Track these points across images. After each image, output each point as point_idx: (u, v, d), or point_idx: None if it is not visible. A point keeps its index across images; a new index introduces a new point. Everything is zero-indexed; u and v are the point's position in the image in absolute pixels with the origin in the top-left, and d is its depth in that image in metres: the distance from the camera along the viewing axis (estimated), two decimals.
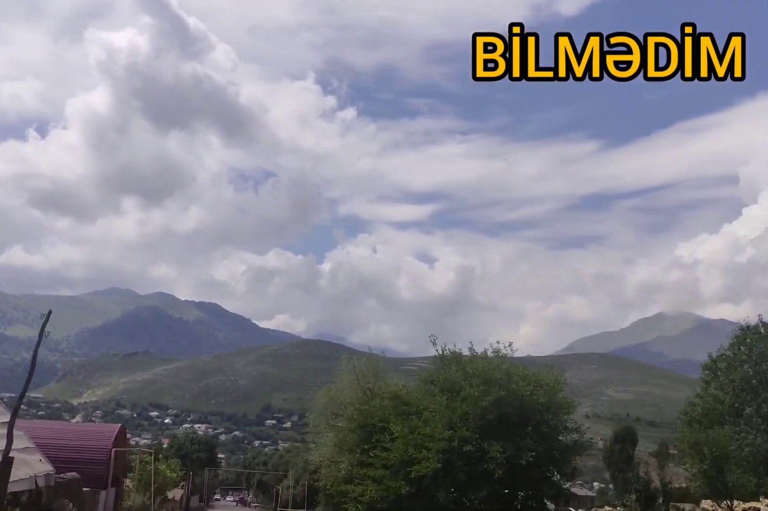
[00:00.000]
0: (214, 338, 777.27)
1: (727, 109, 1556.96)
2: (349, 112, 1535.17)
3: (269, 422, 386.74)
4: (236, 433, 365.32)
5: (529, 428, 35.04)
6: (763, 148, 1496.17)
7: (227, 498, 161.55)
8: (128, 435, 51.93)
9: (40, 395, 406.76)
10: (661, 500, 40.83)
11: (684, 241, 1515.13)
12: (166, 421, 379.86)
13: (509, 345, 37.73)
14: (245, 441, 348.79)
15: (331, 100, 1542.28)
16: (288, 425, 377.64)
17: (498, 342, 37.83)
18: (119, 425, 43.43)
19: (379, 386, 43.73)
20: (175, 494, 66.16)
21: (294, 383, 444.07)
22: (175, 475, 51.89)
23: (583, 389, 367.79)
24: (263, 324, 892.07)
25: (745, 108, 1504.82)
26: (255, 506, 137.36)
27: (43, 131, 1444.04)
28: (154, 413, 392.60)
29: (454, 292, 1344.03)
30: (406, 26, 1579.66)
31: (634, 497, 35.32)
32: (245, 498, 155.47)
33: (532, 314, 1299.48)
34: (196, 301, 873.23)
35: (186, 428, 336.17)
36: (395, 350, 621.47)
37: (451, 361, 38.47)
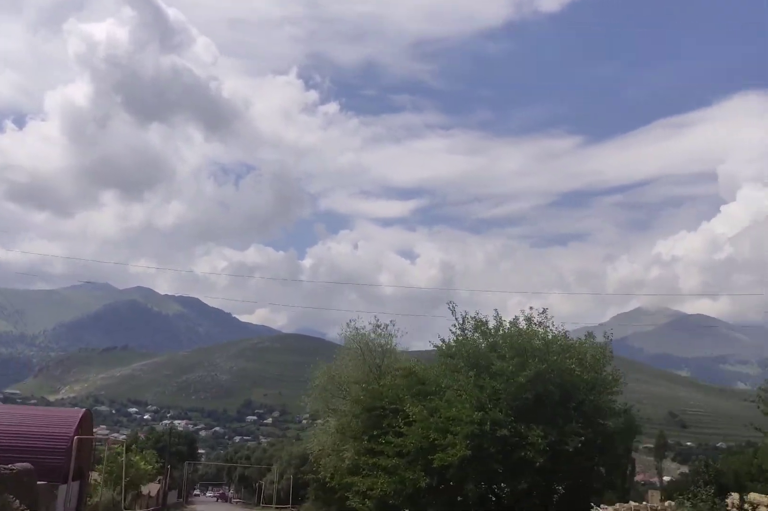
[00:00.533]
0: (194, 332, 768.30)
1: (706, 108, 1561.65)
2: (332, 107, 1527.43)
3: (250, 417, 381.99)
4: (216, 429, 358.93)
5: (573, 409, 29.20)
6: (740, 146, 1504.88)
7: (207, 494, 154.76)
8: (106, 431, 46.09)
9: (17, 391, 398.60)
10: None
11: (663, 238, 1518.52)
12: (146, 417, 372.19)
13: (543, 311, 31.79)
14: (226, 437, 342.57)
15: (313, 95, 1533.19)
16: (269, 420, 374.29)
17: (531, 308, 31.87)
18: (83, 409, 37.15)
19: (388, 364, 37.71)
20: (151, 489, 60.02)
21: (274, 378, 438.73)
22: (150, 467, 45.64)
23: None
24: (244, 318, 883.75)
25: (723, 107, 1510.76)
26: (236, 502, 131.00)
27: (20, 123, 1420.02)
28: (133, 410, 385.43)
29: (435, 288, 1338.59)
30: (390, 21, 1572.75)
31: (707, 487, 29.35)
32: (226, 493, 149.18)
33: (513, 310, 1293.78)
34: (176, 295, 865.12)
35: (166, 424, 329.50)
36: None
37: (474, 330, 32.54)
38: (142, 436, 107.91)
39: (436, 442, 28.17)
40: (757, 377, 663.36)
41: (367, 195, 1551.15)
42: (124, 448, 41.38)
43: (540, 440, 26.93)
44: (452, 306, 32.86)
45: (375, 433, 31.94)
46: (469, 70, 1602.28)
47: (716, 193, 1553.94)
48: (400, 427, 30.12)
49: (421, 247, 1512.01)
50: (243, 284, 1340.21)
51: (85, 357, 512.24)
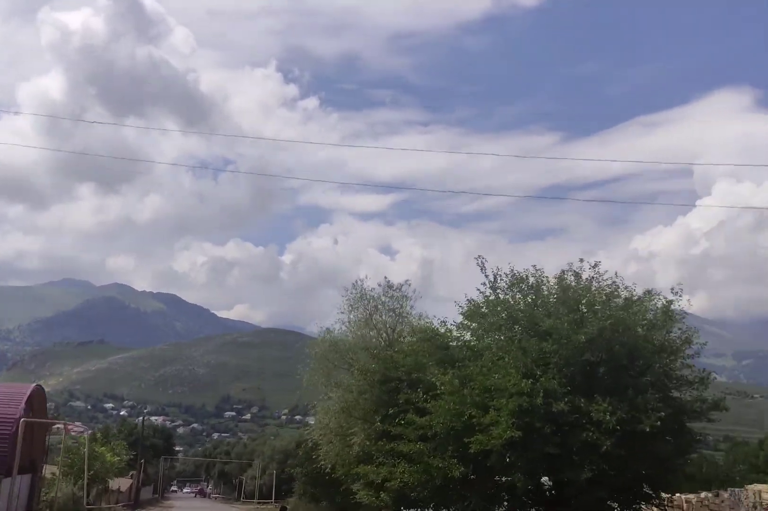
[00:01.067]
0: (172, 328, 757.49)
1: (684, 106, 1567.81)
2: (311, 102, 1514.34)
3: (228, 413, 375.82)
4: (194, 425, 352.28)
5: (647, 378, 23.26)
6: (715, 143, 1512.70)
7: (184, 490, 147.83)
8: (81, 428, 40.14)
9: None
10: None
11: (640, 233, 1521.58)
12: (122, 413, 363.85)
13: (594, 266, 25.60)
14: (204, 433, 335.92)
15: (292, 89, 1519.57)
16: (247, 416, 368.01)
17: (581, 260, 25.75)
18: (33, 384, 30.82)
19: (402, 330, 31.49)
20: (122, 484, 53.60)
21: (253, 372, 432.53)
22: (118, 459, 39.29)
23: None
24: (222, 314, 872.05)
25: (701, 104, 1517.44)
26: (215, 498, 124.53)
27: None
28: (109, 405, 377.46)
29: (415, 283, 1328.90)
30: (369, 14, 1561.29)
31: None
32: (204, 489, 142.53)
33: None
34: (154, 292, 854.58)
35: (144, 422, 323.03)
36: None
37: (510, 288, 26.46)
38: (114, 428, 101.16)
39: (473, 420, 22.19)
40: (732, 369, 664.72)
41: (347, 190, 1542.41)
42: (86, 436, 35.00)
43: (608, 417, 21.03)
44: (481, 261, 26.82)
45: (390, 411, 25.94)
46: (448, 65, 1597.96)
47: (692, 189, 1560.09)
48: (425, 401, 24.14)
49: (401, 243, 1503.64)
50: (222, 280, 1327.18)
51: (60, 351, 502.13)
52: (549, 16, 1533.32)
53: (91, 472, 36.22)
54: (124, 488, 54.89)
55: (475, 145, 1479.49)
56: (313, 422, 34.48)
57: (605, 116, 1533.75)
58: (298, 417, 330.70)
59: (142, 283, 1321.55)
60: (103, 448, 40.51)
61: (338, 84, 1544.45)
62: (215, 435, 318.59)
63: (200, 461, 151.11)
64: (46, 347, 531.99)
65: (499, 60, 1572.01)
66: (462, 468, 22.42)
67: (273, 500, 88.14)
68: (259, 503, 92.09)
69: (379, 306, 31.47)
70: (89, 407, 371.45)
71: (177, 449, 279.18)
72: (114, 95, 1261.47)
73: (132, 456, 52.21)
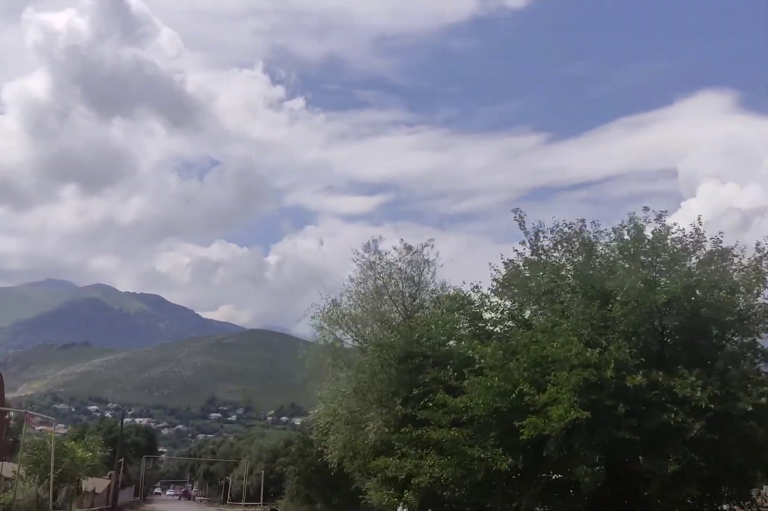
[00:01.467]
0: (156, 329, 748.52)
1: (668, 107, 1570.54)
2: (297, 103, 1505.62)
3: (214, 415, 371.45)
4: (179, 427, 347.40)
5: (733, 348, 18.80)
6: (700, 144, 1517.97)
7: (167, 492, 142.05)
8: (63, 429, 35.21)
9: None
10: None
11: None
12: (107, 415, 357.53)
13: (659, 218, 20.88)
14: (189, 435, 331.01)
15: (279, 90, 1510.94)
16: (233, 418, 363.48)
17: (646, 208, 21.01)
18: None
19: (423, 301, 26.65)
20: (98, 484, 48.71)
21: (239, 373, 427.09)
22: (90, 455, 34.47)
23: None
24: (207, 315, 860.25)
25: (685, 105, 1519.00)
26: (200, 500, 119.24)
27: None
28: (93, 407, 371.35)
29: None
30: (355, 16, 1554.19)
31: None
32: (189, 491, 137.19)
33: None
34: (138, 292, 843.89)
35: (127, 422, 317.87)
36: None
37: (556, 247, 21.96)
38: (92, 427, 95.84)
39: (524, 399, 17.70)
40: None
41: (332, 191, 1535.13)
42: (53, 429, 30.20)
43: (698, 393, 16.59)
44: (520, 215, 22.29)
45: (414, 392, 21.35)
46: (434, 66, 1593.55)
47: (677, 190, 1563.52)
48: (459, 379, 19.59)
49: (387, 244, 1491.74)
50: (207, 281, 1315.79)
51: (43, 354, 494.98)
52: (535, 18, 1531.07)
53: (59, 470, 31.47)
54: (100, 490, 49.96)
55: (462, 145, 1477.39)
56: (315, 412, 28.97)
57: (590, 117, 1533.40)
58: (284, 418, 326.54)
59: (125, 283, 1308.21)
60: (73, 442, 35.74)
61: (324, 84, 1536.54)
62: (200, 436, 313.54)
63: (185, 462, 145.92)
64: (29, 350, 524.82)
65: (485, 61, 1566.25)
66: (510, 460, 17.90)
67: (261, 503, 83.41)
68: (246, 505, 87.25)
69: (394, 274, 26.59)
70: (73, 409, 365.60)
71: (161, 450, 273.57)
72: (99, 95, 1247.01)
73: (108, 453, 47.30)
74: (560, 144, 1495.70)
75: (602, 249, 21.11)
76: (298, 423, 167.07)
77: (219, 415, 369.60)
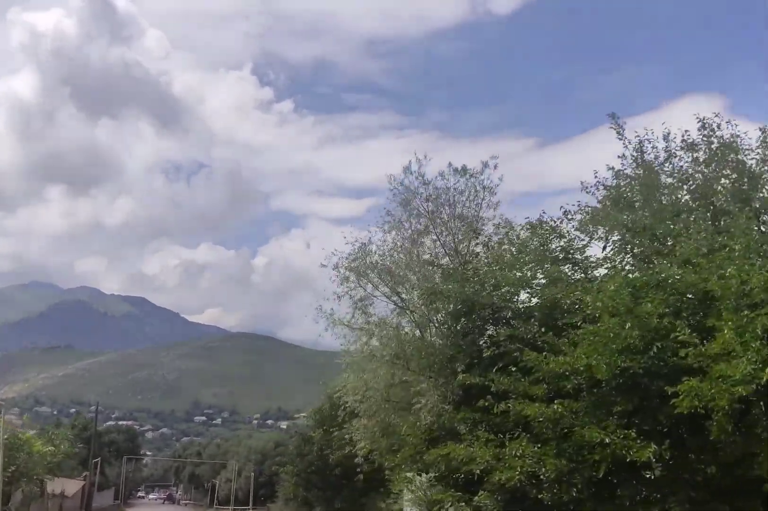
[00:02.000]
0: (141, 332, 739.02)
1: (655, 111, 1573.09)
2: (286, 105, 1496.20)
3: (198, 418, 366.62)
4: (164, 430, 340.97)
5: None
6: None
7: (150, 495, 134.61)
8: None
9: None
10: None
11: None
12: (89, 417, 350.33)
13: None
14: (173, 438, 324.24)
15: (267, 92, 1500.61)
16: (218, 421, 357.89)
17: None
18: None
19: (480, 244, 20.24)
20: (68, 486, 42.32)
21: (224, 377, 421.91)
22: (51, 449, 28.22)
23: None
24: (193, 318, 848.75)
25: (671, 109, 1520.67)
26: (186, 504, 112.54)
27: None
28: (74, 410, 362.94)
29: None
30: (343, 19, 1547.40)
31: None
32: (173, 494, 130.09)
33: None
34: (123, 295, 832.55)
35: (109, 425, 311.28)
36: (327, 345, 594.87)
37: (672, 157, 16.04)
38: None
39: (679, 354, 11.74)
40: None
41: (320, 194, 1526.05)
42: (2, 414, 24.02)
43: None
44: (616, 122, 16.39)
45: (487, 354, 15.34)
46: (422, 70, 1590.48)
47: None
48: (559, 333, 13.60)
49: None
50: (193, 283, 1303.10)
51: (25, 356, 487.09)
52: (522, 23, 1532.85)
53: (13, 467, 25.25)
54: (72, 492, 43.59)
55: (451, 149, 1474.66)
56: (341, 387, 21.78)
57: (578, 121, 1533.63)
58: (270, 422, 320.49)
59: (110, 286, 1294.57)
60: (30, 433, 29.58)
61: (313, 87, 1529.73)
62: (185, 439, 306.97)
63: (169, 465, 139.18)
64: (10, 352, 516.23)
65: (473, 66, 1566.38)
66: (652, 446, 11.88)
67: (251, 507, 77.16)
68: (235, 509, 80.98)
69: (444, 210, 20.12)
70: (55, 412, 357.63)
71: (147, 452, 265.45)
72: (86, 96, 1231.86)
73: (78, 450, 40.88)
74: (548, 149, 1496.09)
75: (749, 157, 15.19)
76: (284, 427, 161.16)
77: (204, 418, 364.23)
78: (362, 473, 29.95)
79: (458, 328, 16.89)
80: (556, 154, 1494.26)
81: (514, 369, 14.24)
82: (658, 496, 12.32)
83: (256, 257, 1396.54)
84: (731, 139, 15.52)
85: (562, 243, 16.23)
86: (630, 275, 13.55)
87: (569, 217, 16.57)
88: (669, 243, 14.12)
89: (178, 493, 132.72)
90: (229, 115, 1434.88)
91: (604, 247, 15.62)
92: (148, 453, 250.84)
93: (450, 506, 16.12)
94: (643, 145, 16.54)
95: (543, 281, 15.77)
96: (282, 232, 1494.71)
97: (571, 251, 16.12)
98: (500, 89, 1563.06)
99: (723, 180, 14.82)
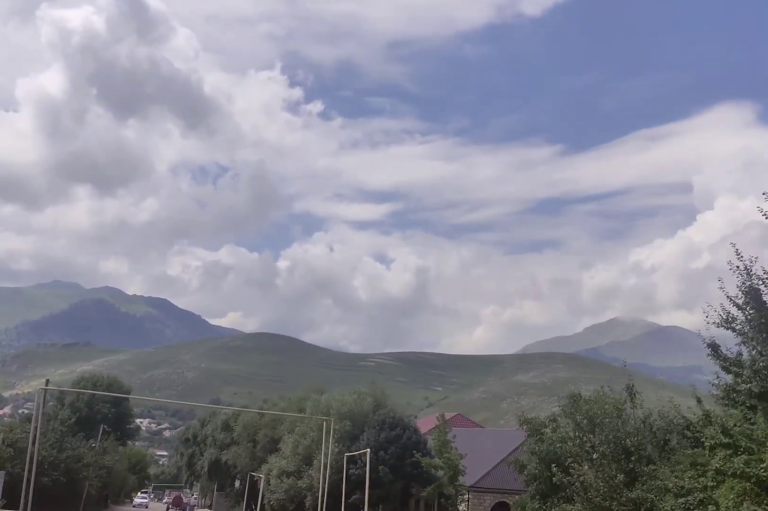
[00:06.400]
0: (162, 334, 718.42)
1: (684, 120, 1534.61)
2: (311, 108, 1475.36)
3: None
4: (182, 429, 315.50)
5: None
6: (717, 157, 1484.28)
7: (136, 500, 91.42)
8: None
9: None
10: None
11: (639, 246, 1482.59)
12: None
13: None
14: None
15: (295, 94, 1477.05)
16: None
17: None
18: None
19: None
20: None
21: (245, 377, 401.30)
22: None
23: (554, 388, 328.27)
24: (214, 322, 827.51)
25: (702, 118, 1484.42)
26: None
27: None
28: None
29: (410, 294, 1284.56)
30: (368, 21, 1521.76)
31: None
32: (182, 498, 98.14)
33: (487, 318, 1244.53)
34: (145, 296, 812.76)
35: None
36: (346, 351, 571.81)
37: None
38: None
39: None
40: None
41: (342, 198, 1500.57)
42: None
43: None
44: None
45: None
46: (447, 74, 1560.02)
47: (691, 204, 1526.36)
48: None
49: (396, 252, 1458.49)
50: (215, 286, 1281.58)
51: (43, 353, 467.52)
52: (552, 27, 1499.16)
53: None
54: None
55: (473, 155, 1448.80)
56: None
57: (605, 129, 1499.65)
58: None
59: (133, 287, 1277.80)
60: None
61: (336, 91, 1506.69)
62: None
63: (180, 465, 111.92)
64: (28, 348, 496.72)
65: (499, 70, 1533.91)
66: None
67: None
68: None
69: None
70: None
71: (163, 453, 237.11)
72: (115, 96, 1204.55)
73: None
74: (573, 156, 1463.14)
75: None
76: None
77: None
78: None
79: None
80: (581, 161, 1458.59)
81: None
82: None
83: (278, 260, 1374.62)
84: None
85: None
86: None
87: None
88: None
89: (194, 496, 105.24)
90: (253, 118, 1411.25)
91: None
92: (165, 453, 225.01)
93: None
94: None
95: None
96: (305, 235, 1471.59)
97: None
98: (525, 94, 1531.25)
99: None
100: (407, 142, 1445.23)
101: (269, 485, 49.56)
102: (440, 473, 38.82)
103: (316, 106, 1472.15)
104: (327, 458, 33.47)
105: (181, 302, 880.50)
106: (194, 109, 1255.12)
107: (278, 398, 71.97)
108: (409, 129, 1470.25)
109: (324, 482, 33.11)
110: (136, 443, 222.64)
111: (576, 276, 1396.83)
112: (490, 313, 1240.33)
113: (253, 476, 56.67)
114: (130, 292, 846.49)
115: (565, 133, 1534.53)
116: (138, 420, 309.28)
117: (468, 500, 39.25)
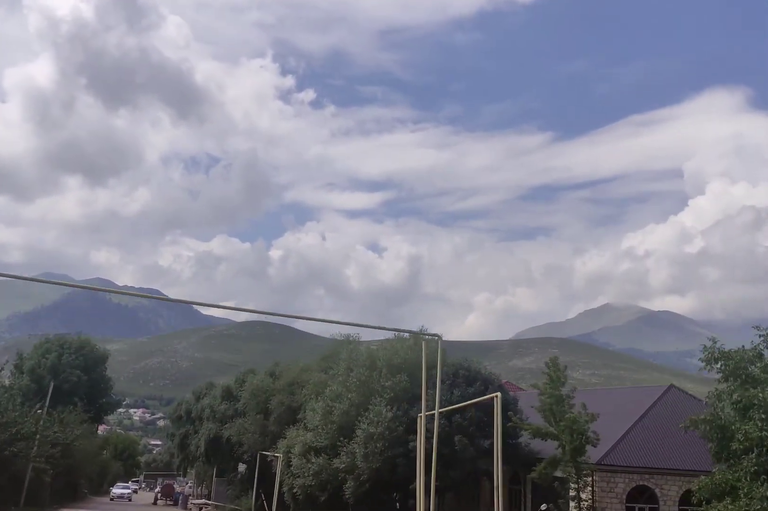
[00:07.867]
0: (154, 324, 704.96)
1: (675, 105, 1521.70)
2: (302, 97, 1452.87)
3: None
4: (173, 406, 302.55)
5: None
6: (708, 143, 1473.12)
7: (115, 490, 77.36)
8: None
9: None
10: None
11: (632, 231, 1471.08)
12: None
13: None
14: None
15: (288, 81, 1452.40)
16: None
17: None
18: None
19: None
20: None
21: (240, 365, 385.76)
22: None
23: None
24: (206, 311, 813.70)
25: (692, 104, 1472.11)
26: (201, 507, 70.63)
27: None
28: None
29: (402, 282, 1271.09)
30: (360, 9, 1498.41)
31: None
32: (174, 486, 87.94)
33: (480, 305, 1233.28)
34: (137, 287, 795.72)
35: (120, 412, 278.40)
36: (337, 331, 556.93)
37: None
38: None
39: None
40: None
41: (334, 187, 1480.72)
42: None
43: None
44: None
45: None
46: (438, 61, 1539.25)
47: (682, 189, 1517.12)
48: None
49: (389, 240, 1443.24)
50: (208, 276, 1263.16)
51: (34, 343, 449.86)
52: (543, 14, 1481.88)
53: None
54: None
55: (466, 143, 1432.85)
56: None
57: (597, 116, 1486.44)
58: None
59: (124, 278, 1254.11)
60: None
61: (328, 79, 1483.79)
62: None
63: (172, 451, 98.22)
64: (18, 339, 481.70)
65: (490, 57, 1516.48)
66: None
67: None
68: None
69: None
70: None
71: (156, 442, 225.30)
72: (104, 85, 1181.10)
73: None
74: (565, 143, 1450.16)
75: None
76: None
77: None
78: None
79: None
80: (573, 148, 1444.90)
81: None
82: None
83: (271, 249, 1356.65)
84: None
85: None
86: None
87: None
88: None
89: (188, 485, 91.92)
90: (248, 105, 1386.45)
91: None
92: (159, 442, 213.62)
93: None
94: None
95: None
96: (297, 224, 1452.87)
97: None
98: (517, 82, 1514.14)
99: None
100: (399, 130, 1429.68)
101: (290, 467, 36.54)
102: (548, 445, 26.20)
103: (308, 95, 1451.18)
104: (437, 398, 20.20)
105: (173, 293, 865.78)
106: (185, 98, 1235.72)
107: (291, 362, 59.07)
108: (401, 117, 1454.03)
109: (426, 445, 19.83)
110: (130, 433, 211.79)
111: (569, 262, 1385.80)
112: (483, 300, 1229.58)
113: (266, 455, 42.71)
114: (121, 283, 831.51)
115: (557, 120, 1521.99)
116: (131, 410, 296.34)
117: (593, 484, 26.50)
